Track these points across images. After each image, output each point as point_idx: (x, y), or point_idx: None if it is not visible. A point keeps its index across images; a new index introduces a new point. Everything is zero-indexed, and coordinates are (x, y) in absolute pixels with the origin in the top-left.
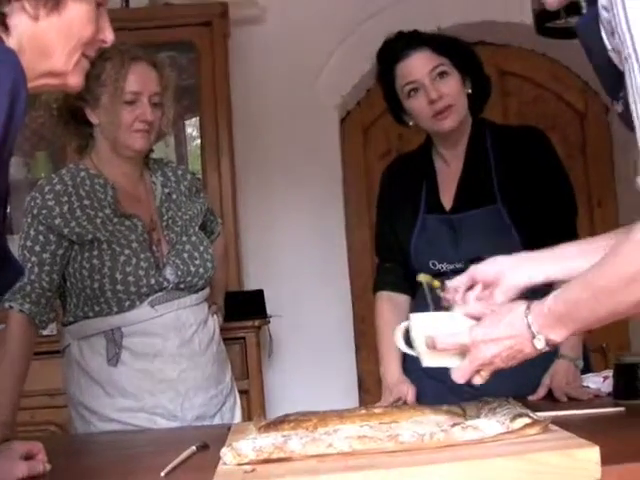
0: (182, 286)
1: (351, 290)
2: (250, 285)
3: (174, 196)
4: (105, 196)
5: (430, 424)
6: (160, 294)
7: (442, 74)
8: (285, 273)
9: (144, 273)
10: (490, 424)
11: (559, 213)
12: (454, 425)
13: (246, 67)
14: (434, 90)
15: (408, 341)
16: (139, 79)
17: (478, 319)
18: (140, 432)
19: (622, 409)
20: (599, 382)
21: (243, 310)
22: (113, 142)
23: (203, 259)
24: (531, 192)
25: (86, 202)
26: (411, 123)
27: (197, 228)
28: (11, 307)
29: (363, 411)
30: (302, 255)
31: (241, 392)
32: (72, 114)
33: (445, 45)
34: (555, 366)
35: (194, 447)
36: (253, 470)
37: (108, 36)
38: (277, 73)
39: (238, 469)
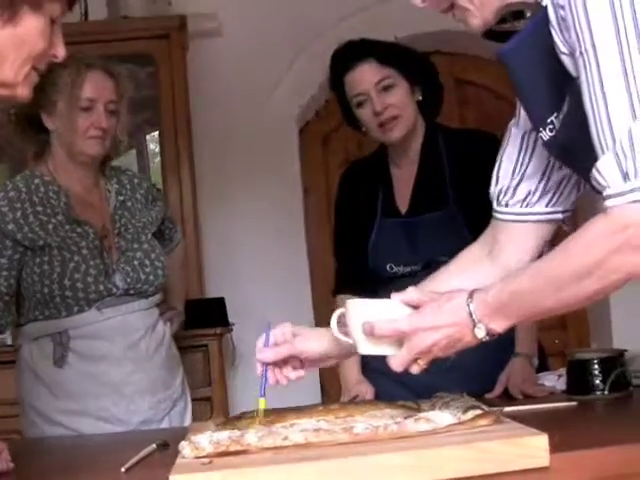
0: (132, 292)
1: (312, 296)
2: (211, 293)
3: (129, 204)
4: (58, 202)
5: (385, 417)
6: (108, 299)
7: (388, 87)
8: (247, 280)
9: (92, 280)
10: (442, 416)
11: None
12: (407, 417)
13: (205, 79)
14: (379, 102)
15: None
16: (95, 86)
17: (416, 308)
18: (96, 435)
19: (574, 403)
20: (554, 380)
21: (205, 318)
22: (68, 148)
23: (154, 266)
24: (483, 194)
25: (39, 208)
26: (364, 129)
27: (150, 235)
28: None
29: (320, 407)
30: (263, 262)
31: (204, 399)
32: (29, 120)
33: (392, 55)
34: (511, 364)
35: (154, 445)
36: (210, 462)
37: (60, 52)
38: (236, 85)
39: (196, 461)
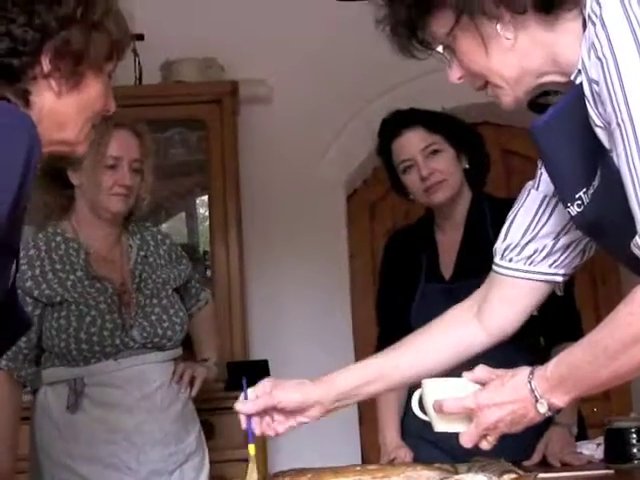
0: (149, 345)
1: (355, 361)
2: (255, 355)
3: (150, 259)
4: (78, 259)
5: (421, 479)
6: (125, 351)
7: (434, 152)
8: (291, 343)
9: (109, 333)
10: (478, 478)
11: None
12: (443, 479)
13: (254, 144)
14: (425, 168)
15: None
16: (121, 145)
17: (484, 385)
18: None
19: (611, 472)
20: (593, 448)
21: (248, 379)
22: (92, 204)
23: (172, 322)
24: None
25: (58, 266)
26: (411, 196)
27: (171, 291)
28: None
29: (358, 467)
30: (308, 326)
31: (244, 460)
32: (54, 175)
33: (439, 123)
34: (550, 432)
35: None
36: None
37: (112, 106)
38: (285, 150)
39: None
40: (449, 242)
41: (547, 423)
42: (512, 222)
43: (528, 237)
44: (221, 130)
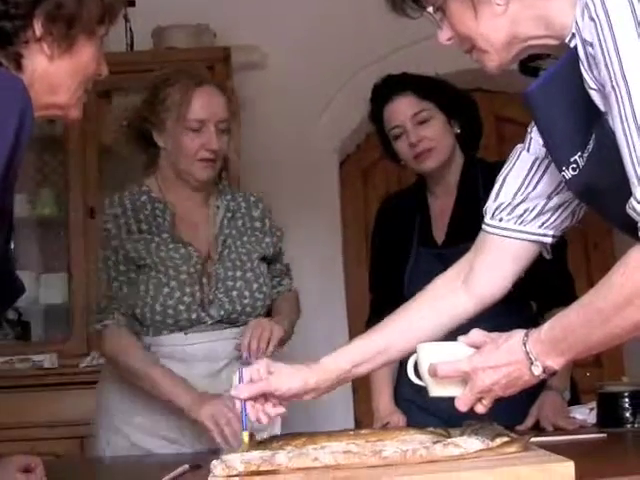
0: (225, 321)
1: (349, 327)
2: None
3: (239, 222)
4: (164, 220)
5: (414, 442)
6: (198, 326)
7: (423, 120)
8: None
9: (185, 308)
10: (471, 441)
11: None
12: (436, 442)
13: (246, 111)
14: (414, 135)
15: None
16: (205, 105)
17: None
18: (130, 456)
19: (604, 435)
20: (585, 413)
21: None
22: (177, 168)
23: (253, 298)
24: None
25: (144, 226)
26: (402, 162)
27: (257, 262)
28: (105, 326)
29: (351, 432)
30: (301, 293)
31: None
32: (140, 134)
33: (430, 88)
34: (542, 397)
35: (187, 465)
36: None
37: (104, 70)
38: (277, 117)
39: None
40: (442, 207)
41: (540, 388)
42: (503, 183)
43: (519, 198)
44: None
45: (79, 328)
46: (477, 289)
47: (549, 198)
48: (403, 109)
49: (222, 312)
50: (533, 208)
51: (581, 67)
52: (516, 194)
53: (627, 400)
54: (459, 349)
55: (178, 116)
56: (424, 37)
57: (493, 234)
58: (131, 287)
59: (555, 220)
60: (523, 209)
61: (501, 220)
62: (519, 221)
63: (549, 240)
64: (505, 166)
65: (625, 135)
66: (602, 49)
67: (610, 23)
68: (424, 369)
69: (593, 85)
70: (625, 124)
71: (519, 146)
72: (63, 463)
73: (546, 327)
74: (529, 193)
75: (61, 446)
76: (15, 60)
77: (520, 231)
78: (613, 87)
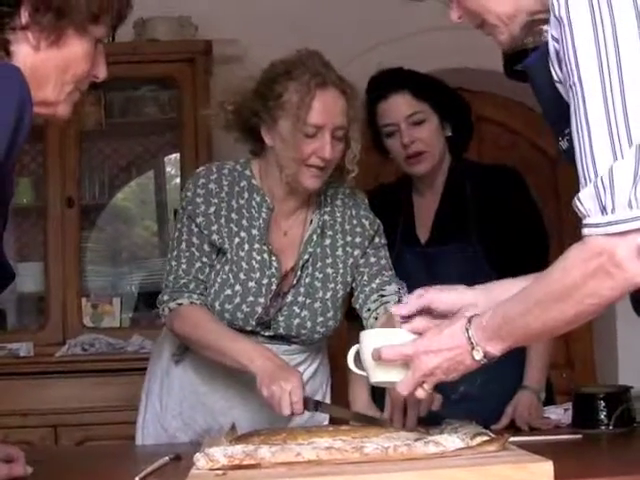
0: (284, 339)
1: None
2: None
3: (326, 241)
4: (259, 215)
5: (400, 439)
6: (252, 336)
7: (418, 122)
8: None
9: (242, 317)
10: (451, 439)
11: (531, 253)
12: (417, 440)
13: None
14: (407, 135)
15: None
16: (324, 110)
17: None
18: (112, 446)
19: (579, 436)
20: (560, 413)
21: None
22: (281, 169)
23: (326, 326)
24: (505, 231)
25: (234, 215)
26: (391, 156)
27: (340, 285)
28: (180, 304)
29: (330, 428)
30: None
31: None
32: (246, 125)
33: (427, 88)
34: (518, 396)
35: (167, 457)
36: (224, 474)
37: (101, 72)
38: None
39: (210, 473)
40: (427, 205)
41: (516, 388)
42: None
43: None
44: (194, 89)
45: (55, 317)
46: None
47: None
48: (399, 108)
49: (284, 332)
50: None
51: (549, 60)
52: None
53: (602, 402)
54: (402, 335)
55: (295, 119)
56: (407, 34)
57: None
58: (210, 270)
59: None
60: None
61: None
62: None
63: None
64: None
65: (578, 134)
66: (563, 48)
67: (570, 25)
68: (367, 355)
69: (556, 78)
70: (578, 124)
71: None
72: (43, 451)
73: (488, 314)
74: None
75: (34, 435)
76: (4, 47)
77: None
78: (571, 86)
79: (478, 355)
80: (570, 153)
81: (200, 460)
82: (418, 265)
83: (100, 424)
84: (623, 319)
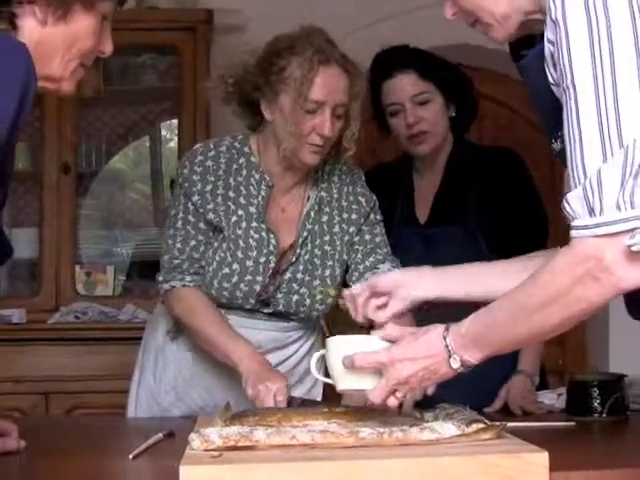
0: (282, 316)
1: None
2: None
3: (324, 217)
4: (257, 193)
5: (396, 424)
6: (250, 313)
7: (423, 102)
8: None
9: (242, 295)
10: (447, 426)
11: (530, 235)
12: (412, 425)
13: None
14: (412, 115)
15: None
16: (326, 86)
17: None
18: (107, 419)
19: (573, 424)
20: (554, 398)
21: None
22: (282, 145)
23: (311, 308)
24: (504, 213)
25: (231, 193)
26: (394, 134)
27: (337, 261)
28: (173, 287)
29: (325, 410)
30: None
31: None
32: (246, 98)
33: (432, 68)
34: (512, 380)
35: (161, 434)
36: (220, 455)
37: (107, 48)
38: None
39: (205, 454)
40: (427, 186)
41: (509, 371)
42: None
43: None
44: (194, 58)
45: (48, 284)
46: None
47: None
48: (404, 88)
49: (282, 309)
50: None
51: (544, 63)
52: None
53: (596, 390)
54: (371, 342)
55: (297, 94)
56: (406, 10)
57: None
58: (207, 248)
59: None
60: None
61: None
62: None
63: None
64: None
65: (569, 136)
66: (558, 50)
67: (566, 27)
68: (335, 361)
69: (551, 80)
70: (570, 126)
71: None
72: (37, 424)
73: (468, 322)
74: None
75: (25, 401)
76: (10, 21)
77: None
78: (564, 89)
79: (455, 363)
80: (563, 155)
81: (195, 441)
82: (416, 245)
83: (91, 392)
84: (615, 307)
